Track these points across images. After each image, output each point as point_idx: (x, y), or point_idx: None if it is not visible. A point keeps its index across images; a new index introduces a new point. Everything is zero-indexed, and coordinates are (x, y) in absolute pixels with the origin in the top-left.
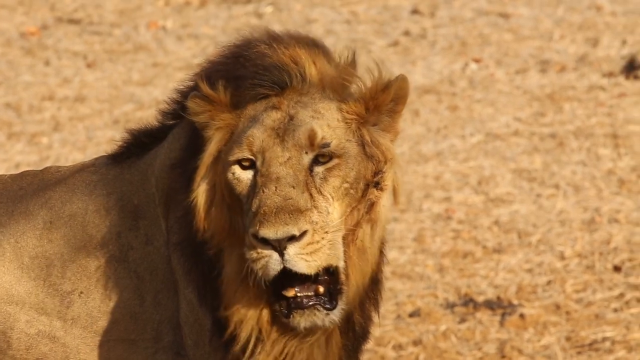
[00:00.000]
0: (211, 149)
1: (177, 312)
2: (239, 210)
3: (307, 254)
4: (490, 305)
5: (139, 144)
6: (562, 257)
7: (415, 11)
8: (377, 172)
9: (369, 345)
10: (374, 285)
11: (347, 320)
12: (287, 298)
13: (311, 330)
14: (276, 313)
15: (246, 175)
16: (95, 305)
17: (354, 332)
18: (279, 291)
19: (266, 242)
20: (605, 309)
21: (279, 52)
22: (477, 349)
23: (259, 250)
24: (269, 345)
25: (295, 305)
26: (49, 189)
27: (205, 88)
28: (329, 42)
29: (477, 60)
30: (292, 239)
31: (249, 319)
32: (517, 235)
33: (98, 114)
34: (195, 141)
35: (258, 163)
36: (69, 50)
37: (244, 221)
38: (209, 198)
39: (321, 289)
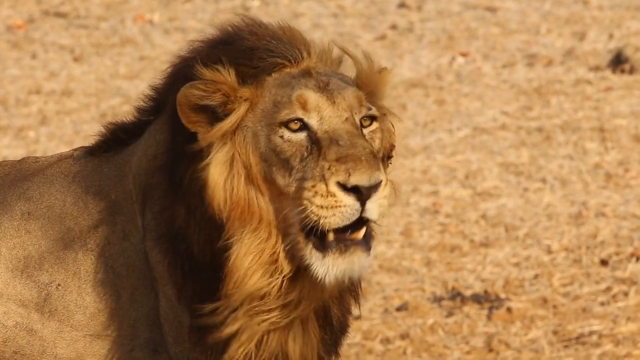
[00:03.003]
0: (232, 119)
1: (154, 310)
2: (263, 181)
3: (383, 198)
4: (477, 299)
5: (116, 139)
6: (549, 251)
7: (402, 5)
8: (392, 146)
9: (357, 339)
10: None
11: (325, 314)
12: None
13: (337, 283)
14: (308, 255)
15: (298, 137)
16: (72, 298)
17: (332, 326)
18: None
19: (350, 191)
20: (592, 303)
21: (282, 29)
22: (465, 343)
23: (339, 198)
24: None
25: (338, 240)
26: (27, 180)
27: (208, 72)
28: (316, 35)
29: (464, 54)
30: (377, 186)
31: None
32: (504, 229)
33: (85, 107)
34: (175, 137)
35: (313, 121)
36: (55, 44)
37: (289, 185)
38: (226, 170)
39: (363, 230)
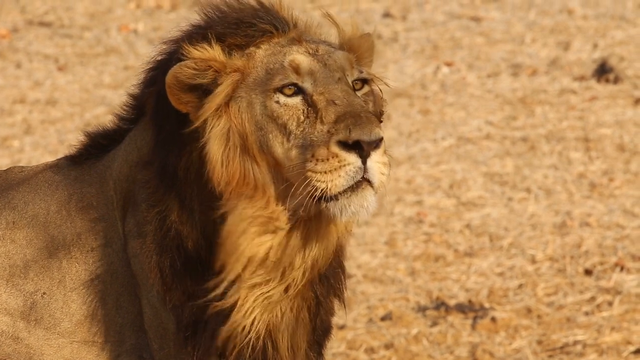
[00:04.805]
0: (222, 89)
1: (140, 316)
2: (259, 151)
3: (382, 163)
4: (461, 308)
5: (97, 145)
6: (533, 260)
7: (387, 14)
8: (381, 112)
9: (341, 348)
10: (337, 272)
11: (317, 306)
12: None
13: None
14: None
15: (293, 101)
16: (57, 306)
17: (315, 324)
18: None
19: (351, 148)
20: (576, 313)
21: (264, 1)
22: (449, 353)
23: (341, 158)
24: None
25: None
26: (12, 189)
27: (196, 51)
28: None
29: (449, 64)
30: (377, 145)
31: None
32: (488, 239)
33: (69, 117)
34: (161, 130)
35: (307, 84)
36: (40, 53)
37: (289, 150)
38: (224, 143)
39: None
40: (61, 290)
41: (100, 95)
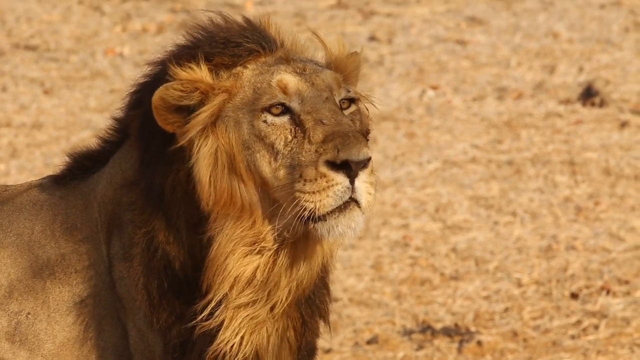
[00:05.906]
0: (208, 107)
1: (123, 339)
2: (246, 171)
3: (370, 183)
4: (447, 332)
5: (81, 167)
6: (519, 284)
7: (372, 38)
8: (368, 131)
9: None
10: (322, 293)
11: (303, 327)
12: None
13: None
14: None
15: (281, 121)
16: (42, 327)
17: (300, 345)
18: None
19: (340, 168)
20: (562, 336)
21: (253, 20)
22: None
23: (329, 178)
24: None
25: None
26: None
27: (183, 72)
28: None
29: (434, 87)
30: (365, 165)
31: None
32: (474, 263)
33: (55, 140)
34: (146, 151)
35: (295, 104)
36: (25, 77)
37: (276, 170)
38: (212, 162)
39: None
40: (45, 311)
41: (86, 118)
